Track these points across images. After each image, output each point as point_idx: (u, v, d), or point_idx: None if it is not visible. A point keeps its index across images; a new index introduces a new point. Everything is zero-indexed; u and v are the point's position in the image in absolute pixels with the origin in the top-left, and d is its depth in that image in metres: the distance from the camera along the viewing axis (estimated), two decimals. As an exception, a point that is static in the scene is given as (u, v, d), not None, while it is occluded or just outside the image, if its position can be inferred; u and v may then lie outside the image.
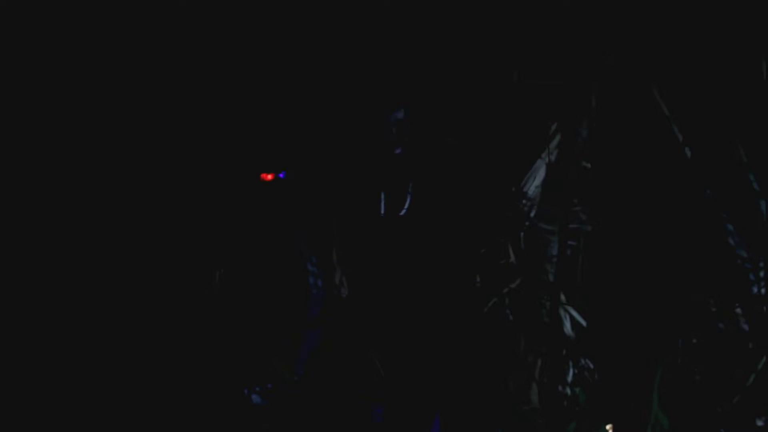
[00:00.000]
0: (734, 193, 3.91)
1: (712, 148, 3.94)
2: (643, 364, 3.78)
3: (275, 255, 4.39)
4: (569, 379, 4.00)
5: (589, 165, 4.10)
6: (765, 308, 3.86)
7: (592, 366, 3.97)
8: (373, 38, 4.41)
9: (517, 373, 4.04)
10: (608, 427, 3.77)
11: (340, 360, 4.21)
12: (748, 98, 3.93)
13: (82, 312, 4.33)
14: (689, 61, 4.00)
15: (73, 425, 4.15)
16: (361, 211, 4.20)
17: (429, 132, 4.19)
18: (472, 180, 4.18)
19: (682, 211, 3.98)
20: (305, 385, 4.24)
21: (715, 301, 3.91)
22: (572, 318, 4.03)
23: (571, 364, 4.00)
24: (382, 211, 4.17)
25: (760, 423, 3.74)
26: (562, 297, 4.03)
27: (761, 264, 3.88)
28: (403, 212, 4.13)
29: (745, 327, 3.87)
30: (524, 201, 4.13)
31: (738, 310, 3.88)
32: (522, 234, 4.15)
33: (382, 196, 4.17)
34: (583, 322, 4.01)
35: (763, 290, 3.87)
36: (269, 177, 4.43)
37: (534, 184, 4.14)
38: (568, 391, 3.98)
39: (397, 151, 4.10)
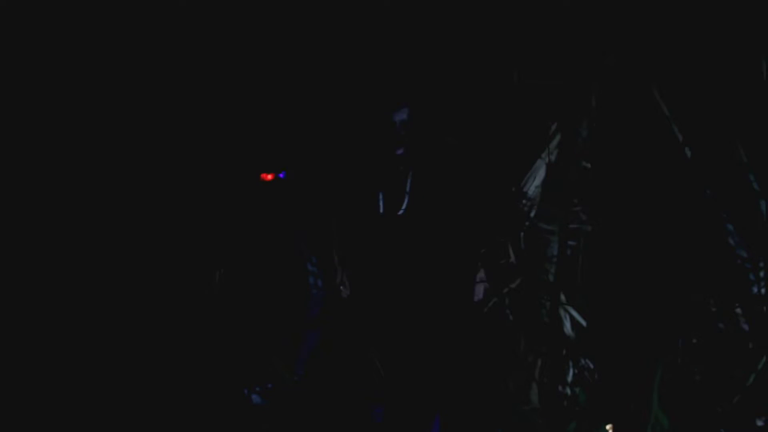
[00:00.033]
0: (734, 193, 3.91)
1: (712, 148, 3.94)
2: (643, 364, 3.78)
3: (275, 255, 4.39)
4: (569, 379, 4.00)
5: (589, 165, 4.10)
6: (765, 308, 3.86)
7: (592, 366, 3.97)
8: (373, 39, 4.41)
9: (517, 373, 4.04)
10: (608, 427, 3.77)
11: (340, 360, 4.21)
12: (748, 98, 3.93)
13: (83, 312, 4.33)
14: (689, 61, 4.00)
15: (73, 425, 4.15)
16: (361, 211, 4.20)
17: (429, 132, 4.19)
18: (473, 180, 4.18)
19: (682, 211, 3.98)
20: (305, 385, 4.24)
21: (715, 301, 3.91)
22: (572, 318, 4.03)
23: (571, 364, 4.00)
24: (381, 211, 4.17)
25: (760, 423, 3.74)
26: (562, 297, 4.03)
27: (761, 264, 3.88)
28: (401, 212, 4.13)
29: (745, 327, 3.87)
30: (524, 201, 4.14)
31: (738, 310, 3.88)
32: (522, 234, 4.15)
33: (381, 196, 4.17)
34: (583, 322, 4.01)
35: (763, 290, 3.87)
36: (269, 177, 4.43)
37: (534, 184, 4.14)
38: (568, 391, 3.98)
39: (399, 151, 4.10)
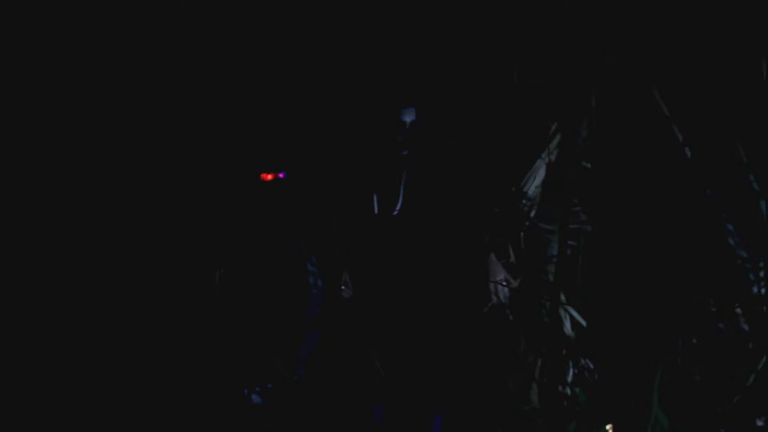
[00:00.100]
0: (734, 193, 3.91)
1: (712, 148, 3.94)
2: (643, 364, 3.78)
3: (275, 255, 4.39)
4: (569, 379, 3.99)
5: (589, 165, 4.10)
6: (765, 308, 3.86)
7: (592, 366, 3.97)
8: (373, 39, 4.41)
9: (517, 373, 4.04)
10: (608, 427, 3.77)
11: (340, 360, 4.21)
12: (748, 98, 3.93)
13: (83, 312, 4.33)
14: (689, 61, 4.00)
15: (73, 425, 4.15)
16: (361, 212, 4.20)
17: (430, 132, 4.19)
18: (473, 180, 4.18)
19: (682, 211, 3.98)
20: (305, 385, 4.24)
21: (715, 301, 3.90)
22: (572, 318, 4.03)
23: (571, 364, 4.00)
24: (381, 211, 4.16)
25: (760, 423, 3.74)
26: (562, 297, 4.02)
27: (761, 264, 3.88)
28: (400, 212, 4.13)
29: (745, 327, 3.86)
30: (524, 201, 4.13)
31: (738, 310, 3.88)
32: (522, 234, 4.15)
33: (380, 196, 4.16)
34: (583, 322, 4.01)
35: (763, 290, 3.87)
36: (269, 177, 4.43)
37: (534, 184, 4.14)
38: (568, 391, 3.98)
39: (404, 152, 4.10)
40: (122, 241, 4.39)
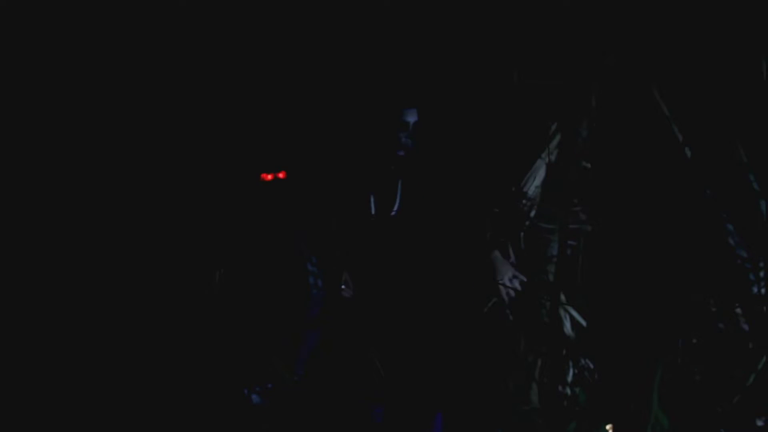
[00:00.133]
0: (734, 193, 3.91)
1: (712, 148, 3.94)
2: (643, 364, 3.78)
3: (275, 255, 4.39)
4: (569, 379, 3.99)
5: (589, 165, 4.10)
6: (765, 308, 3.86)
7: (592, 366, 3.97)
8: (373, 39, 4.41)
9: (517, 373, 4.04)
10: (608, 427, 3.77)
11: (340, 360, 4.20)
12: (748, 98, 3.93)
13: (83, 312, 4.33)
14: (689, 61, 4.00)
15: (73, 425, 4.15)
16: (361, 212, 4.20)
17: (430, 133, 4.19)
18: (473, 180, 4.18)
19: (682, 211, 3.98)
20: (305, 385, 4.24)
21: (715, 301, 3.91)
22: (572, 318, 4.03)
23: (571, 364, 4.00)
24: (380, 211, 4.16)
25: (760, 423, 3.74)
26: (562, 297, 4.02)
27: (761, 264, 3.88)
28: (399, 212, 4.13)
29: (745, 327, 3.86)
30: (524, 201, 4.13)
31: (738, 310, 3.88)
32: (522, 234, 4.15)
33: (380, 196, 4.16)
34: (583, 322, 4.01)
35: (763, 290, 3.87)
36: (269, 177, 4.43)
37: (534, 184, 4.14)
38: (568, 391, 3.98)
39: (400, 153, 4.10)
40: (122, 241, 4.39)
